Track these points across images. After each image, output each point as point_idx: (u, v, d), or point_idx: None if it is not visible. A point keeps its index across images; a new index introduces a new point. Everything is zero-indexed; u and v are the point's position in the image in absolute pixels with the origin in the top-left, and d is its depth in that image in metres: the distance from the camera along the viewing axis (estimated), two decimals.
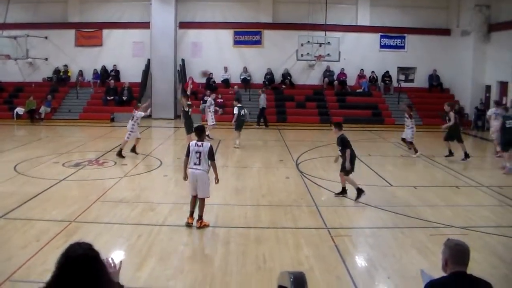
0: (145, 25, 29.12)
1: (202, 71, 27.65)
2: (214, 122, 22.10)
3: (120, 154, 17.00)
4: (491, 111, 19.61)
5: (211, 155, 9.80)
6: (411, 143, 18.27)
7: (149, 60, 29.52)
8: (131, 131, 17.31)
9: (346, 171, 12.01)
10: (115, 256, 7.88)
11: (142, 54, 29.78)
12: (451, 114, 17.89)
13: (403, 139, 18.63)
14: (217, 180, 10.18)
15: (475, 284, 4.15)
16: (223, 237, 9.39)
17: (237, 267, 8.01)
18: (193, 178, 9.83)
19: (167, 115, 28.27)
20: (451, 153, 17.85)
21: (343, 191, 12.42)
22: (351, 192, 12.26)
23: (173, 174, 15.14)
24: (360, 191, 12.00)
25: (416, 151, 18.12)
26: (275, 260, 8.28)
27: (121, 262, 3.83)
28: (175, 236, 9.36)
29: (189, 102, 18.35)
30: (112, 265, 3.73)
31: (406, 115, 18.40)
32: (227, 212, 10.99)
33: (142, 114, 17.65)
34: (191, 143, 10.05)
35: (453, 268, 4.16)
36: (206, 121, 22.00)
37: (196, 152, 9.78)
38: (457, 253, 4.19)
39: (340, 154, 12.23)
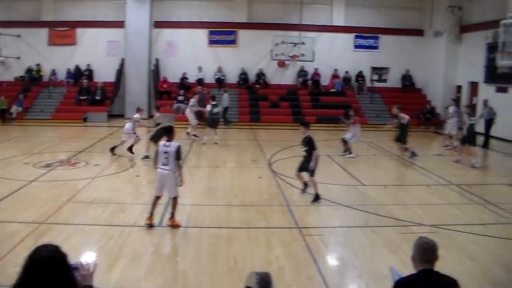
0: (120, 24, 28.85)
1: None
2: (198, 122, 22.01)
3: (112, 151, 17.40)
4: (451, 109, 20.60)
5: (178, 155, 9.77)
6: (345, 142, 18.27)
7: (123, 60, 29.24)
8: (128, 133, 17.34)
9: (311, 171, 12.00)
10: (86, 257, 7.85)
11: (116, 53, 29.46)
12: (401, 115, 18.00)
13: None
14: (181, 182, 10.07)
15: (442, 281, 4.20)
16: (194, 237, 9.36)
17: (208, 268, 8.00)
18: (161, 178, 9.82)
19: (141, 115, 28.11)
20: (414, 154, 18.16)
21: (306, 187, 12.58)
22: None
23: (145, 175, 15.07)
24: (318, 197, 11.96)
25: (350, 152, 18.18)
26: (246, 260, 8.29)
27: (95, 264, 3.78)
28: (146, 237, 9.31)
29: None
30: (86, 267, 3.67)
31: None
32: (199, 212, 10.96)
33: (139, 116, 17.69)
34: (160, 143, 10.09)
35: (421, 266, 4.21)
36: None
37: (164, 153, 9.76)
38: (424, 251, 4.24)
39: (305, 154, 12.17)
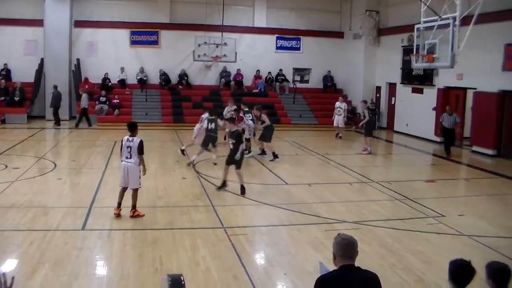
0: (38, 22, 27.78)
1: None
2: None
3: (182, 152, 17.52)
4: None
5: (140, 149, 10.37)
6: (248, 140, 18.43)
7: (42, 59, 28.28)
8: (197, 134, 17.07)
9: (239, 164, 12.49)
10: (5, 267, 7.55)
11: (35, 53, 28.39)
12: (366, 112, 19.90)
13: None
14: (144, 172, 10.75)
15: (362, 276, 4.29)
16: (118, 240, 9.19)
17: (133, 270, 7.87)
18: (124, 170, 10.52)
19: (62, 116, 27.21)
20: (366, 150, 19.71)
21: (224, 184, 12.91)
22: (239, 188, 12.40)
23: (68, 177, 14.69)
24: (244, 188, 12.55)
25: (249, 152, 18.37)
26: (172, 262, 8.22)
27: (13, 278, 3.59)
28: (69, 241, 9.03)
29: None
30: (3, 280, 3.49)
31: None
32: (122, 214, 10.75)
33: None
34: (123, 138, 10.65)
35: (341, 262, 4.28)
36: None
37: (127, 147, 10.43)
38: (344, 247, 4.30)
39: (232, 147, 12.64)
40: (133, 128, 10.58)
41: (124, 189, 10.63)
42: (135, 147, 10.34)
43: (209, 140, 16.40)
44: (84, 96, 25.77)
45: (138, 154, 10.38)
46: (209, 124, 16.34)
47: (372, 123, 20.27)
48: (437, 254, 8.73)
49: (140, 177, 10.59)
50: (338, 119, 23.60)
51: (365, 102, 21.09)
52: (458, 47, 15.69)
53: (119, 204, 10.54)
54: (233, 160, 12.60)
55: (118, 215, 10.42)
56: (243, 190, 12.58)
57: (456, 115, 19.60)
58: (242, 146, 12.64)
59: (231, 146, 12.72)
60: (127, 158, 10.45)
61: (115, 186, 12.01)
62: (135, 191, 10.59)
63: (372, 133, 20.74)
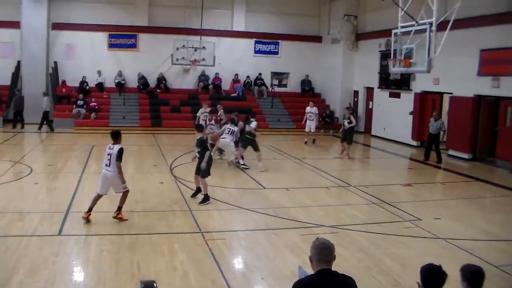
0: (15, 24, 27.41)
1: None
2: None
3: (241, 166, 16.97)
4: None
5: (118, 156, 10.28)
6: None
7: (19, 62, 27.97)
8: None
9: (203, 173, 12.16)
10: None
11: (11, 55, 28.02)
12: (352, 117, 20.01)
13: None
14: (122, 181, 10.55)
15: (339, 280, 4.30)
16: (95, 245, 9.12)
17: (110, 276, 7.81)
18: (103, 178, 10.52)
19: (39, 120, 26.97)
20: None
21: (197, 191, 12.65)
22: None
23: (45, 182, 14.54)
24: (207, 198, 12.17)
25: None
26: (149, 267, 8.17)
27: None
28: (45, 247, 8.92)
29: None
30: None
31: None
32: (99, 219, 10.65)
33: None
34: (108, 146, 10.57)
35: (318, 266, 4.28)
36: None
37: (108, 154, 10.38)
38: (321, 251, 4.30)
39: (198, 156, 12.38)
40: (116, 136, 10.57)
41: (99, 196, 10.55)
42: (114, 154, 10.28)
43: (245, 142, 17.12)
44: (45, 99, 25.50)
45: (116, 162, 10.28)
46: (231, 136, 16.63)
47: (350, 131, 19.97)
48: (414, 257, 8.79)
49: (123, 182, 10.50)
50: (310, 124, 23.23)
51: (348, 108, 21.14)
52: (434, 52, 15.84)
53: (90, 209, 10.44)
54: (199, 170, 12.26)
55: (87, 220, 10.31)
56: (205, 199, 12.13)
57: (442, 122, 19.52)
58: (207, 154, 12.16)
59: (197, 155, 12.43)
60: (106, 165, 10.41)
61: (92, 191, 11.90)
62: (124, 194, 10.59)
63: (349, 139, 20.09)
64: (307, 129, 23.21)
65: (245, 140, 17.09)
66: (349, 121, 19.62)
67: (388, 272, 8.25)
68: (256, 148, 17.00)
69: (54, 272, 7.86)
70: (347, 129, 19.74)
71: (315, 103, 24.38)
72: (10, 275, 7.61)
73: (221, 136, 16.65)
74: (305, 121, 23.35)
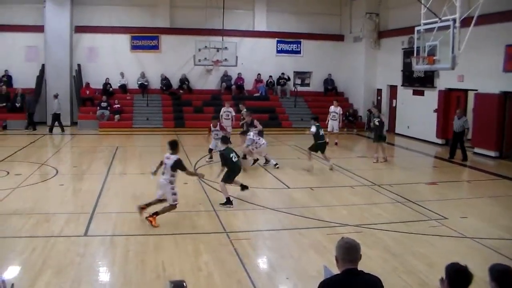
0: (39, 28, 27.85)
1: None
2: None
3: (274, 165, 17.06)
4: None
5: (176, 167, 10.46)
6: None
7: (43, 65, 28.32)
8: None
9: (225, 179, 12.37)
10: (7, 274, 7.54)
11: (36, 59, 28.41)
12: (382, 116, 19.19)
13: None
14: (200, 175, 12.03)
15: (365, 280, 4.29)
16: (121, 246, 9.20)
17: (136, 276, 7.87)
18: (158, 185, 10.71)
19: (63, 122, 27.31)
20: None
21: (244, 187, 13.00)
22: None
23: (70, 183, 14.71)
24: (228, 201, 12.17)
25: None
26: (175, 267, 8.22)
27: (12, 285, 3.59)
28: (72, 247, 9.04)
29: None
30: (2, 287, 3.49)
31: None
32: (125, 220, 10.76)
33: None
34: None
35: (344, 266, 4.27)
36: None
37: (164, 164, 10.62)
38: (346, 251, 4.30)
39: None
40: (173, 146, 10.68)
41: (159, 200, 10.73)
42: (169, 164, 10.40)
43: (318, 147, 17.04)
44: (56, 101, 25.77)
45: (171, 171, 10.40)
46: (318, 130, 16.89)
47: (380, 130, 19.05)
48: (440, 256, 8.67)
49: (174, 194, 10.52)
50: (333, 124, 22.77)
51: (375, 106, 20.55)
52: (458, 48, 15.65)
53: (149, 204, 10.67)
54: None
55: (141, 208, 10.63)
56: (227, 202, 12.14)
57: (466, 120, 19.33)
58: (224, 169, 12.42)
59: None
60: (162, 174, 10.60)
61: (117, 192, 12.07)
62: (171, 206, 10.57)
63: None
64: (329, 129, 22.59)
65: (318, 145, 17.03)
66: (379, 119, 18.88)
67: (414, 271, 8.18)
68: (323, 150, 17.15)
69: (81, 273, 7.95)
70: (377, 127, 18.94)
71: (339, 103, 23.99)
72: (38, 275, 7.71)
73: (252, 146, 16.79)
74: (328, 121, 22.91)
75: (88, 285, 7.52)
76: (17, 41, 28.28)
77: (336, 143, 22.55)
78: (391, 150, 23.46)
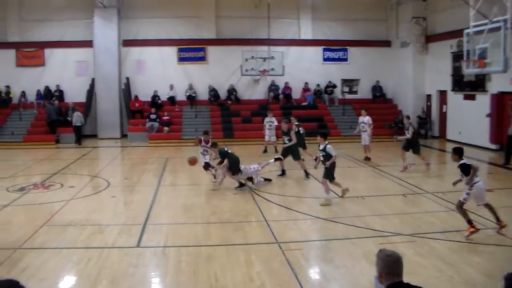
0: (88, 43, 28.66)
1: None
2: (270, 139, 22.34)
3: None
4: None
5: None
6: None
7: (93, 80, 29.01)
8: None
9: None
10: (64, 282, 7.72)
11: (86, 73, 29.18)
12: (410, 128, 18.18)
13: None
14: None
15: None
16: (173, 257, 9.28)
17: (189, 287, 7.93)
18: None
19: (113, 135, 27.88)
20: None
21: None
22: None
23: (121, 195, 14.96)
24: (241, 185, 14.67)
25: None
26: (227, 278, 8.23)
27: None
28: (125, 258, 9.19)
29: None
30: None
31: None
32: (176, 231, 10.88)
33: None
34: None
35: (389, 280, 4.17)
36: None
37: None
38: (390, 264, 4.20)
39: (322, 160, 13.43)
40: (456, 152, 11.57)
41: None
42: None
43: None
44: (76, 114, 26.27)
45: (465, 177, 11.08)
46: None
47: (414, 141, 18.26)
48: (498, 266, 8.41)
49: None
50: (365, 136, 20.47)
51: (408, 117, 19.72)
52: (510, 50, 15.30)
53: (468, 221, 10.44)
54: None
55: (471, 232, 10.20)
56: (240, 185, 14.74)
57: None
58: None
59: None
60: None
61: (168, 203, 12.20)
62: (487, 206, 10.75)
63: (414, 149, 18.46)
64: (362, 142, 20.78)
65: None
66: (408, 131, 18.12)
67: (471, 282, 7.95)
68: None
69: (134, 283, 8.08)
70: (407, 139, 18.19)
71: (367, 112, 21.06)
72: (94, 285, 7.89)
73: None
74: (358, 131, 20.91)
75: None
76: (68, 56, 29.17)
77: (368, 158, 20.59)
78: (443, 157, 23.08)
